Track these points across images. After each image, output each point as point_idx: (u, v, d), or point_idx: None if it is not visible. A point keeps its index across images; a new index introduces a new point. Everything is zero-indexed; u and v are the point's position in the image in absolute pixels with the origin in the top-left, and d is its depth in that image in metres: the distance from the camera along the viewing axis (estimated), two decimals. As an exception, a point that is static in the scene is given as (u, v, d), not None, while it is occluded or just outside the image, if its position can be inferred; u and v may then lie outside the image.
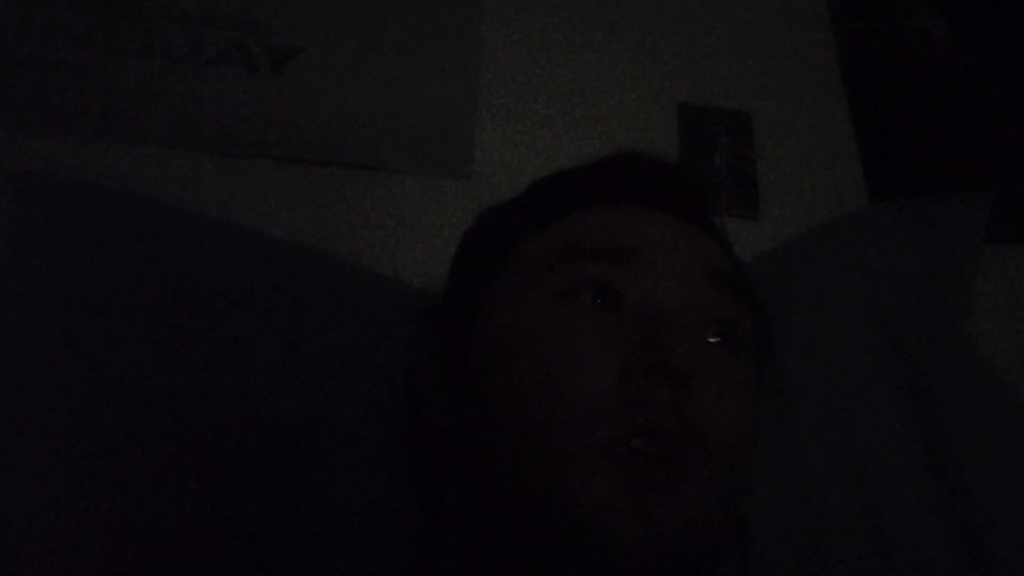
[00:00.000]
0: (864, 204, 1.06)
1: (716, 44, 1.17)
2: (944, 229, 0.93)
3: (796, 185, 1.08)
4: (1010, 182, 1.05)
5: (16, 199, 0.79)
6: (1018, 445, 0.79)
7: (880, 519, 0.76)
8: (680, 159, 1.08)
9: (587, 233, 0.60)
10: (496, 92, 1.08)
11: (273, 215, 0.92)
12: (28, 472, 0.67)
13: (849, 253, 0.92)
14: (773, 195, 1.07)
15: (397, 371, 0.73)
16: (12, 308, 0.74)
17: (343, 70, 1.03)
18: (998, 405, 0.82)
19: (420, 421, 0.65)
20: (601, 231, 0.60)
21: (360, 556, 0.69)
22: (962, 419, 0.80)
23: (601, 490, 0.49)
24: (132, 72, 0.97)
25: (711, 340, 0.57)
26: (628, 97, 1.12)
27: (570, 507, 0.49)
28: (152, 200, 0.83)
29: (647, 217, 0.61)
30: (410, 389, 0.68)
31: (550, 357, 0.53)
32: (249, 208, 0.91)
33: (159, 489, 0.68)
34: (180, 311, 0.75)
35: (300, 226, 0.91)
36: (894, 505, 0.76)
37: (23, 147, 0.89)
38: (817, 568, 0.74)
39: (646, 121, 1.11)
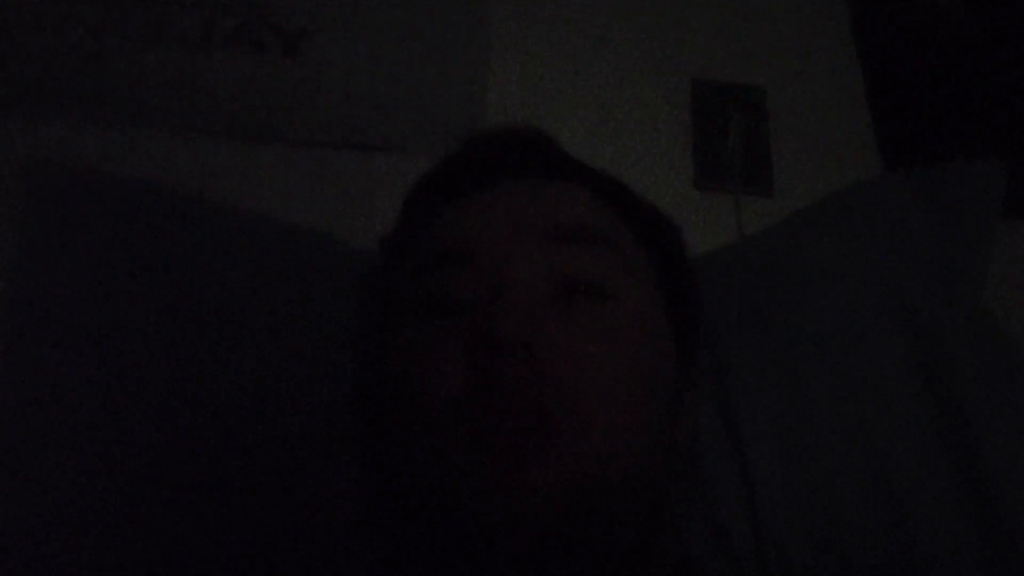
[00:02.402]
0: (879, 179, 1.05)
1: (730, 19, 1.16)
2: (958, 196, 0.91)
3: (811, 162, 1.07)
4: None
5: (30, 189, 0.79)
6: None
7: (897, 504, 0.75)
8: (694, 136, 1.07)
9: (428, 244, 0.60)
10: (507, 70, 1.07)
11: (286, 198, 0.92)
12: (42, 444, 0.69)
13: (861, 222, 0.90)
14: (787, 172, 1.06)
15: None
16: (27, 297, 0.74)
17: (353, 51, 1.03)
18: (1017, 378, 0.81)
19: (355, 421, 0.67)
20: (438, 238, 0.60)
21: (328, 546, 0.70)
22: (979, 393, 0.79)
23: (471, 472, 0.49)
24: (144, 57, 0.96)
25: (565, 298, 0.55)
26: (641, 74, 1.11)
27: (444, 496, 0.50)
28: (165, 189, 0.83)
29: (485, 200, 0.61)
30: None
31: (408, 374, 0.55)
32: (261, 191, 0.91)
33: (172, 471, 0.70)
34: (193, 300, 0.76)
35: (314, 209, 0.91)
36: (911, 488, 0.75)
37: (36, 133, 0.90)
38: (833, 549, 0.74)
39: (659, 98, 1.10)
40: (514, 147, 0.66)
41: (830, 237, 0.89)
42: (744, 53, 1.14)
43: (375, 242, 0.85)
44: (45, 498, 0.68)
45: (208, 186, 0.87)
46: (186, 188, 0.85)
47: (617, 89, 1.09)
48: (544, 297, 0.55)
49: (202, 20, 0.99)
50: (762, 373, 0.81)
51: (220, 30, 1.00)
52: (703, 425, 0.79)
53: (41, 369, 0.72)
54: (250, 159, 0.95)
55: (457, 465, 0.50)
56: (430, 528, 0.54)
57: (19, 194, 0.79)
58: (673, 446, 0.59)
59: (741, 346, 0.83)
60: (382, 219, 0.92)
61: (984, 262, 0.89)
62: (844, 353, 0.82)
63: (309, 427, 0.73)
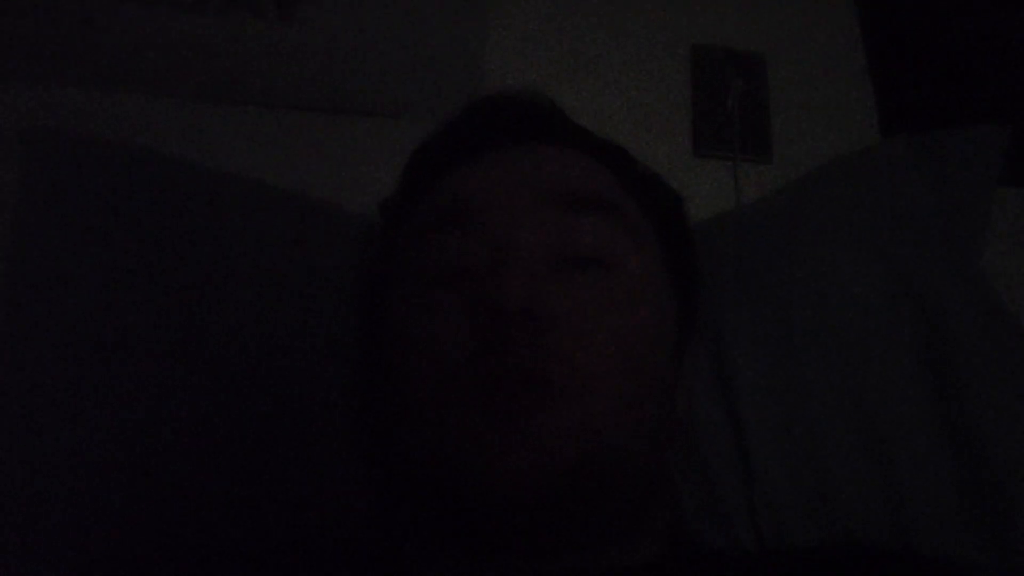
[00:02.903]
0: (878, 147, 1.05)
1: (730, -16, 1.15)
2: (956, 163, 0.90)
3: (810, 129, 1.07)
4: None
5: (27, 156, 0.78)
6: None
7: (889, 463, 0.76)
8: (693, 102, 1.07)
9: (431, 207, 0.60)
10: (506, 35, 1.07)
11: (280, 164, 0.92)
12: (38, 409, 0.69)
13: (859, 189, 0.90)
14: (786, 138, 1.06)
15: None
16: (24, 264, 0.74)
17: (350, 15, 1.02)
18: (1012, 344, 0.81)
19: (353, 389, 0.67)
20: (441, 201, 0.60)
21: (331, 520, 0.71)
22: (974, 359, 0.79)
23: (467, 430, 0.50)
24: (138, 20, 0.96)
25: (568, 265, 0.56)
26: (641, 39, 1.10)
27: (446, 455, 0.51)
28: (160, 154, 0.83)
29: (489, 164, 0.61)
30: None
31: (411, 338, 0.55)
32: (256, 156, 0.91)
33: (175, 424, 0.70)
34: (189, 264, 0.76)
35: (309, 173, 0.91)
36: (902, 451, 0.76)
37: (29, 97, 0.89)
38: (826, 515, 0.74)
39: (659, 63, 1.09)
40: (520, 112, 0.66)
41: (829, 204, 0.89)
42: (744, 19, 1.13)
43: (370, 207, 0.85)
44: (44, 478, 0.67)
45: (203, 150, 0.87)
46: (180, 153, 0.84)
47: (616, 54, 1.08)
48: (547, 263, 0.55)
49: (197, -17, 0.99)
50: (758, 339, 0.82)
51: (216, -6, 0.99)
52: (698, 390, 0.79)
53: (39, 336, 0.72)
54: (245, 123, 0.94)
55: (459, 424, 0.50)
56: (429, 489, 0.54)
57: (14, 161, 0.79)
58: (671, 412, 0.60)
59: (737, 312, 0.83)
60: (377, 184, 0.92)
61: (982, 228, 0.89)
62: (840, 320, 0.82)
63: (308, 390, 0.73)
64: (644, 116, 1.06)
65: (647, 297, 0.58)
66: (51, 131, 0.81)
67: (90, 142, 0.81)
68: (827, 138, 1.06)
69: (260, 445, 0.71)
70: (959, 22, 1.15)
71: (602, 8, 1.11)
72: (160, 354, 0.72)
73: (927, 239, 0.86)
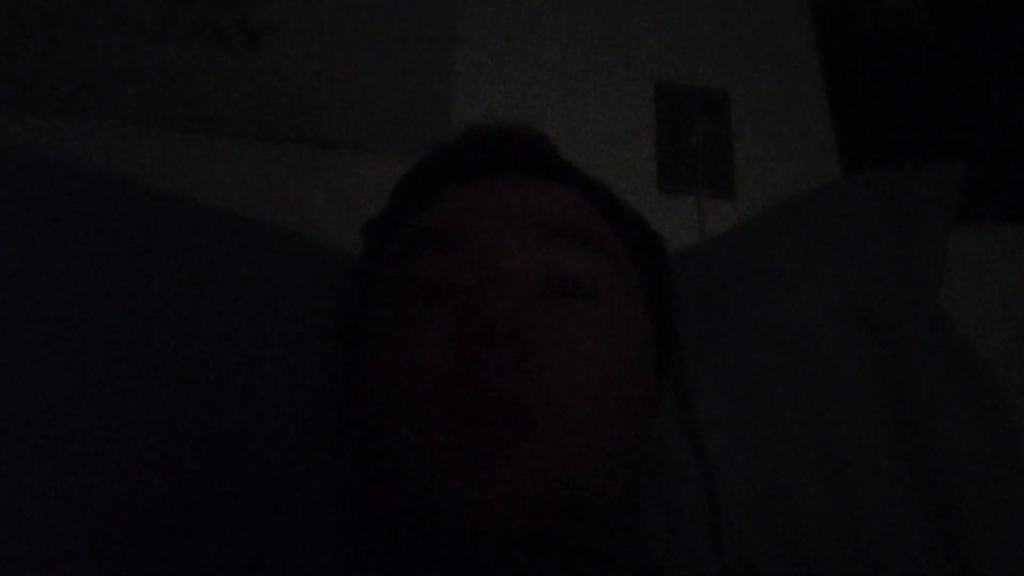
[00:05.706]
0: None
1: (693, 22, 1.17)
2: (915, 201, 0.92)
3: (773, 165, 1.08)
4: (983, 161, 1.04)
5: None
6: (994, 425, 0.80)
7: (851, 493, 0.76)
8: (657, 138, 1.08)
9: (420, 229, 0.60)
10: (471, 69, 1.07)
11: (245, 194, 0.91)
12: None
13: (821, 225, 0.91)
14: (749, 174, 1.07)
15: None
16: None
17: (317, 46, 1.02)
18: (972, 381, 0.82)
19: (332, 411, 0.66)
20: (428, 222, 0.60)
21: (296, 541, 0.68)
22: (933, 392, 0.80)
23: (443, 461, 0.49)
24: (102, 48, 0.95)
25: (554, 294, 0.56)
26: (605, 75, 1.11)
27: (420, 484, 0.51)
28: (119, 179, 0.81)
29: (480, 191, 0.61)
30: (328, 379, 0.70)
31: (393, 356, 0.55)
32: (221, 187, 0.90)
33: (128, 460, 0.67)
34: (149, 293, 0.74)
35: (273, 205, 0.90)
36: (865, 485, 0.76)
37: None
38: (790, 544, 0.74)
39: (623, 99, 1.10)
40: (512, 144, 0.67)
41: (791, 239, 0.90)
42: (708, 56, 1.14)
43: (333, 237, 0.85)
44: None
45: (166, 181, 0.85)
46: (143, 181, 0.83)
47: (581, 91, 1.09)
48: (534, 290, 0.55)
49: (163, 11, 0.98)
50: (721, 372, 0.82)
51: (181, 22, 0.98)
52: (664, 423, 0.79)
53: None
54: (207, 154, 0.93)
55: (434, 456, 0.50)
56: (402, 516, 0.54)
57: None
58: (644, 451, 0.60)
59: (701, 346, 0.83)
60: (342, 215, 0.92)
61: (940, 264, 0.90)
62: (802, 353, 0.83)
63: (279, 422, 0.71)
64: (609, 151, 1.07)
65: (630, 333, 0.58)
66: (8, 155, 0.78)
67: (50, 167, 0.78)
68: (789, 174, 1.07)
69: (224, 476, 0.68)
70: (917, 60, 1.18)
71: (567, 44, 1.12)
72: (124, 385, 0.68)
73: (887, 275, 0.87)
